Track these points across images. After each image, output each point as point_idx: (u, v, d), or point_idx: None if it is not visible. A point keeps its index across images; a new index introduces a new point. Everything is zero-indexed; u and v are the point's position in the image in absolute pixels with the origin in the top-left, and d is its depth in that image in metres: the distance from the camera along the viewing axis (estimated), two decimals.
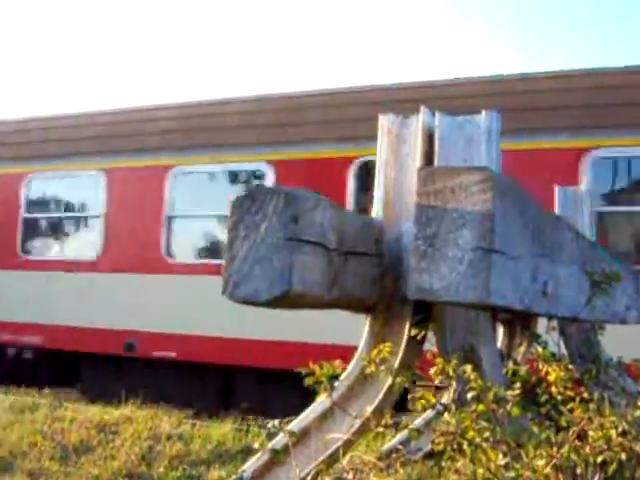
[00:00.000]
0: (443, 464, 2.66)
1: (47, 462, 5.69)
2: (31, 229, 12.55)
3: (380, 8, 47.89)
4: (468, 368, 2.61)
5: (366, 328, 2.94)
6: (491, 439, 2.49)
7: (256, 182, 10.83)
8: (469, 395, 2.58)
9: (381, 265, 2.82)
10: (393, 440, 4.91)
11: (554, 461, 2.44)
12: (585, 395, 2.76)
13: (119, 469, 5.53)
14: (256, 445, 3.00)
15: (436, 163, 2.94)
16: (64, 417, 7.21)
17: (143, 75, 55.42)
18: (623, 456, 2.44)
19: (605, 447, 2.47)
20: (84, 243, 12.02)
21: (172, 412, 8.03)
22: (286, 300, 2.22)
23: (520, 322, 4.60)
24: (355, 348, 2.96)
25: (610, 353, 4.37)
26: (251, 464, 3.02)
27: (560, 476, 2.45)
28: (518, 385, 2.73)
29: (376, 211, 2.98)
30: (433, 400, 2.75)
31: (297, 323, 9.21)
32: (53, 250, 12.54)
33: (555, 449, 2.46)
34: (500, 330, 4.62)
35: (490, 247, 2.21)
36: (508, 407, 2.55)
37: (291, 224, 2.19)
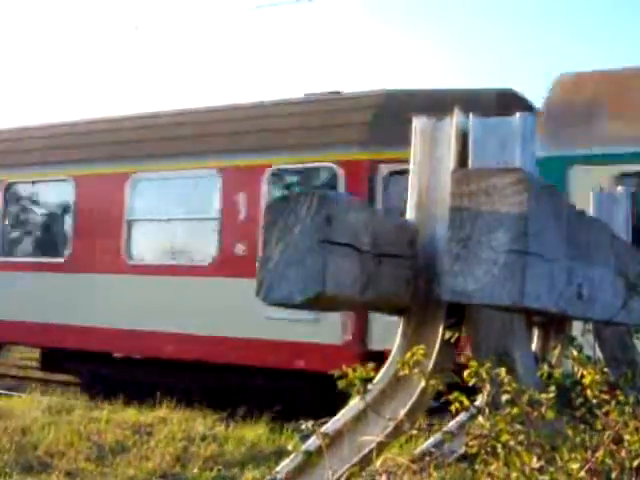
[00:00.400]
0: (476, 467, 2.65)
1: (83, 462, 5.76)
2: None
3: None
4: (502, 371, 2.60)
5: (399, 331, 2.94)
6: (525, 442, 2.48)
7: None
8: (503, 398, 2.57)
9: (414, 267, 2.82)
10: (426, 443, 4.89)
11: (589, 465, 2.42)
12: (621, 399, 2.74)
13: (154, 469, 5.58)
14: (290, 447, 3.00)
15: (470, 165, 2.93)
16: (100, 418, 7.28)
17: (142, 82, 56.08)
18: None
19: None
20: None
21: (206, 413, 8.07)
22: (320, 302, 2.23)
23: (555, 325, 4.57)
24: None
25: None
26: (284, 466, 3.03)
27: None
28: (553, 388, 2.72)
29: (410, 213, 2.98)
30: (467, 403, 2.74)
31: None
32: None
33: (590, 453, 2.44)
34: (535, 333, 4.59)
35: (524, 249, 2.20)
36: (543, 410, 2.53)
37: (324, 226, 2.19)
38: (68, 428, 6.76)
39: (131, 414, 7.59)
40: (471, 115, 3.04)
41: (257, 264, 2.26)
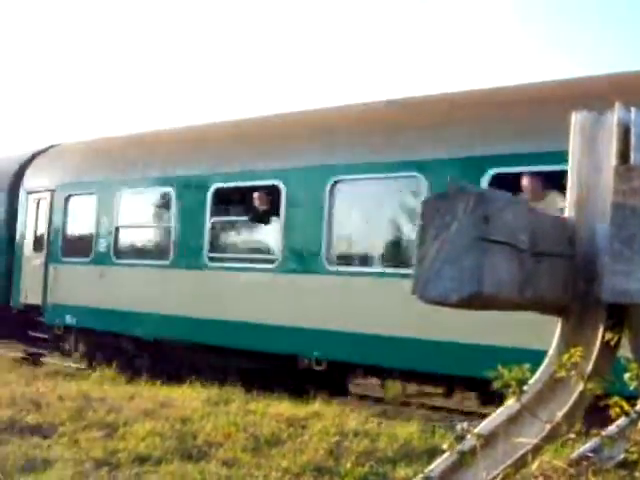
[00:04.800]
0: (637, 474, 2.57)
1: (240, 452, 5.91)
2: None
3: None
4: None
5: (557, 331, 2.87)
6: None
7: None
8: None
9: (574, 266, 2.75)
10: (583, 447, 4.74)
11: None
12: None
13: (308, 462, 5.66)
14: (445, 446, 3.00)
15: (632, 161, 2.84)
16: (256, 410, 7.46)
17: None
18: None
19: None
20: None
21: (360, 409, 8.12)
22: (477, 301, 2.21)
23: None
24: None
25: None
26: (438, 464, 3.03)
27: None
28: None
29: (569, 211, 2.91)
30: (627, 407, 2.66)
31: None
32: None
33: None
34: None
35: None
36: None
37: (481, 224, 2.17)
38: (226, 419, 6.95)
39: (285, 408, 7.73)
40: (633, 109, 2.94)
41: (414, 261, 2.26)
